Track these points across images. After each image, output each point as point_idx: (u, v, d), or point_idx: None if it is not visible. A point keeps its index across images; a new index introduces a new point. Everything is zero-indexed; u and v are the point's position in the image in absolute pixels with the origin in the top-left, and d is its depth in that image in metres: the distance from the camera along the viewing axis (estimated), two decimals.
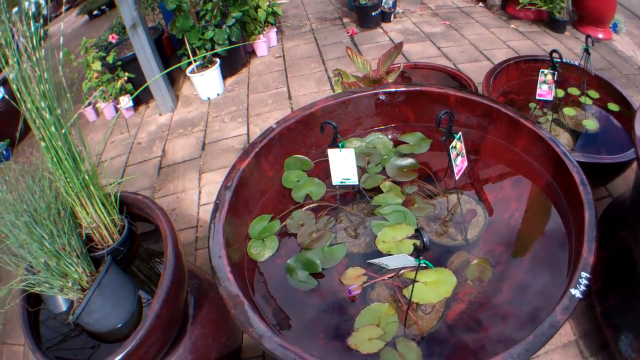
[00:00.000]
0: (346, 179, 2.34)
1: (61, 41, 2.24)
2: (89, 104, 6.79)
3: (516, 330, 1.74)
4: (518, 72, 3.80)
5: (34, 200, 2.25)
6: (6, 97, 7.13)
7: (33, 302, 2.41)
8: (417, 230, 1.59)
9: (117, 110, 6.41)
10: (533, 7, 6.45)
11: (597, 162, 2.82)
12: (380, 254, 2.08)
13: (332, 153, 2.32)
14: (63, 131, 2.23)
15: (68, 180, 2.28)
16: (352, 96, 2.71)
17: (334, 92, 5.44)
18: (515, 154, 2.43)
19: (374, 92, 2.70)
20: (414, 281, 1.80)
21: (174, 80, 6.65)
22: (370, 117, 2.75)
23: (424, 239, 1.54)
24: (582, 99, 3.49)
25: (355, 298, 2.00)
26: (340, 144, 2.30)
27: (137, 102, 6.33)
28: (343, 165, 2.31)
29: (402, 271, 2.00)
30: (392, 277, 2.01)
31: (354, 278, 2.05)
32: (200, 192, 4.65)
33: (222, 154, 5.13)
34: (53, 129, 2.17)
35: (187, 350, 2.48)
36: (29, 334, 2.28)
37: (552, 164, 2.25)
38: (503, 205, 2.29)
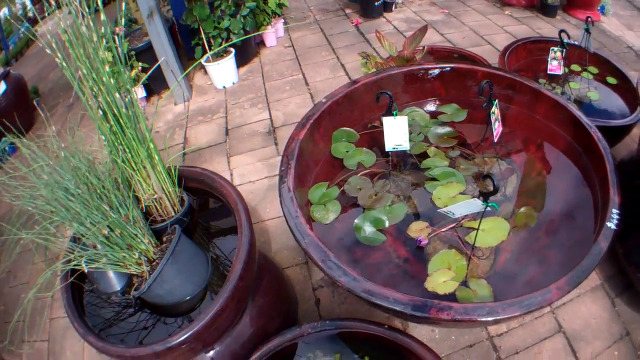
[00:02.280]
0: (398, 145, 2.50)
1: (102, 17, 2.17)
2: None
3: (558, 267, 1.92)
4: (525, 52, 4.06)
5: (82, 175, 2.25)
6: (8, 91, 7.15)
7: (75, 287, 2.44)
8: (487, 175, 1.76)
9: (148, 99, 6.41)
10: None
11: (607, 125, 3.09)
12: (435, 211, 2.27)
13: (386, 121, 2.47)
14: (128, 98, 2.22)
15: (129, 149, 2.28)
16: (391, 73, 2.87)
17: (349, 78, 5.63)
18: (537, 120, 2.66)
19: (411, 68, 2.87)
20: (478, 226, 1.99)
21: (185, 70, 6.64)
22: (405, 92, 2.92)
23: (495, 182, 1.71)
24: (584, 74, 3.80)
25: (423, 248, 2.16)
26: (394, 112, 2.45)
27: (149, 93, 6.33)
28: (396, 132, 2.47)
29: (462, 221, 2.18)
30: (452, 227, 2.19)
31: (419, 231, 2.21)
32: (231, 174, 4.71)
33: (248, 137, 5.22)
34: (117, 95, 2.15)
35: (251, 319, 2.57)
36: (77, 319, 2.31)
37: (571, 126, 2.48)
38: (531, 164, 2.50)
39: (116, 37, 2.28)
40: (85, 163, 2.29)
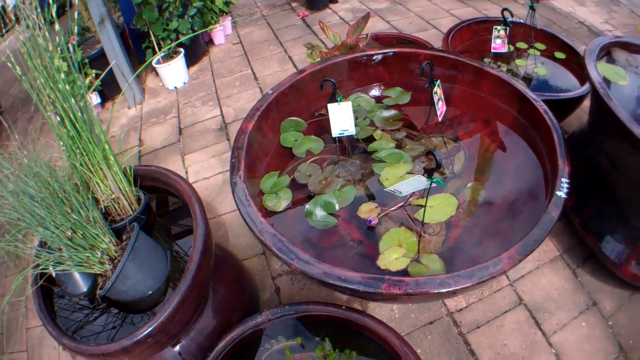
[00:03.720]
0: (344, 130, 2.55)
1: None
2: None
3: (512, 239, 1.90)
4: (470, 34, 4.11)
5: (45, 181, 2.26)
6: None
7: (45, 291, 2.47)
8: (429, 152, 1.81)
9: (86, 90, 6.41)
10: None
11: (555, 98, 3.14)
12: (383, 191, 2.28)
13: (331, 107, 2.51)
14: (82, 103, 2.25)
15: (85, 153, 2.32)
16: (336, 61, 2.92)
17: (297, 69, 5.59)
18: (482, 98, 2.71)
19: (355, 55, 2.93)
20: (425, 202, 2.05)
21: (138, 75, 6.65)
22: (350, 79, 2.97)
23: (437, 158, 1.74)
24: (531, 51, 3.86)
25: (374, 228, 2.20)
26: (338, 99, 2.50)
27: (104, 99, 6.27)
28: (341, 117, 2.52)
29: (410, 198, 2.23)
30: (401, 206, 2.24)
31: (368, 211, 2.26)
32: (186, 172, 4.72)
33: (201, 135, 5.20)
34: (72, 100, 2.19)
35: (214, 311, 2.61)
36: (49, 322, 2.32)
37: (517, 101, 2.52)
38: (479, 141, 2.55)
39: (70, 45, 2.37)
40: (46, 169, 2.32)
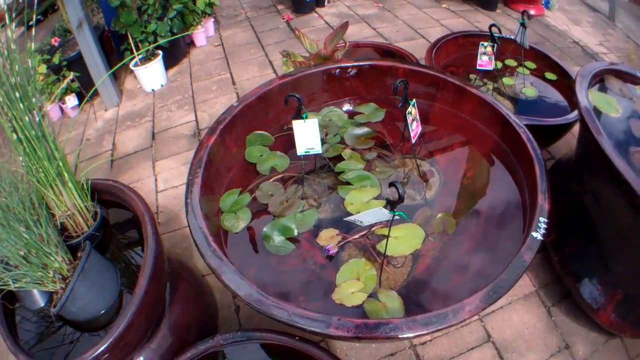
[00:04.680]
0: (310, 149, 2.43)
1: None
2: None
3: (482, 276, 1.87)
4: (457, 47, 3.98)
5: (6, 195, 2.23)
6: None
7: (7, 305, 2.43)
8: (391, 184, 1.67)
9: (62, 110, 6.33)
10: None
11: (541, 124, 2.96)
12: (348, 216, 2.10)
13: (296, 124, 2.39)
14: (37, 119, 2.23)
15: (41, 169, 2.29)
16: (308, 72, 2.82)
17: (276, 75, 5.55)
18: (463, 119, 2.59)
19: (328, 67, 2.82)
20: (387, 234, 1.91)
21: (116, 75, 6.62)
22: (324, 92, 2.87)
23: (400, 191, 1.63)
24: (520, 70, 3.69)
25: (333, 257, 2.12)
26: (304, 115, 2.38)
27: (81, 100, 6.17)
28: (307, 135, 2.40)
29: (373, 228, 2.12)
30: (364, 234, 2.13)
31: (328, 239, 2.17)
32: (156, 180, 4.62)
33: (173, 141, 5.08)
34: (27, 118, 2.16)
35: (170, 329, 2.50)
36: (9, 336, 2.28)
37: (499, 125, 2.41)
38: (456, 166, 2.44)
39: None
40: (8, 183, 2.28)
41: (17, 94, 2.12)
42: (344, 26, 3.46)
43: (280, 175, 2.57)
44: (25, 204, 2.23)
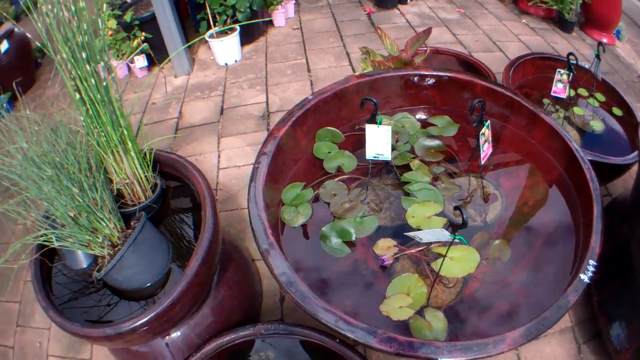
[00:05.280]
0: (380, 154, 2.40)
1: None
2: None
3: (528, 309, 1.88)
4: (533, 68, 3.95)
5: (60, 153, 2.23)
6: (10, 50, 7.14)
7: (44, 260, 2.47)
8: (457, 207, 1.69)
9: (129, 69, 6.42)
10: (544, 5, 6.52)
11: (604, 161, 2.95)
12: (407, 228, 2.18)
13: (369, 128, 2.37)
14: (104, 84, 2.21)
15: (103, 134, 2.29)
16: (386, 75, 2.79)
17: (352, 68, 5.55)
18: (532, 145, 2.57)
19: (407, 73, 2.80)
20: (444, 255, 1.93)
21: (190, 44, 6.58)
22: (399, 97, 2.85)
23: (464, 216, 1.64)
24: (590, 101, 3.67)
25: (386, 267, 2.10)
26: (378, 120, 2.35)
27: (151, 63, 6.27)
28: (379, 140, 2.37)
29: (432, 245, 2.10)
30: (421, 250, 2.12)
31: (385, 249, 2.15)
32: (219, 156, 4.62)
33: (241, 120, 5.10)
34: (92, 81, 2.14)
35: (212, 310, 2.54)
36: (41, 291, 2.31)
37: (566, 159, 2.39)
38: (519, 192, 2.42)
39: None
40: (65, 140, 2.28)
41: (84, 55, 2.10)
42: (427, 32, 3.45)
43: (346, 176, 2.55)
44: (81, 165, 2.22)
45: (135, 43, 5.90)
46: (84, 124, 2.27)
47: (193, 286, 2.12)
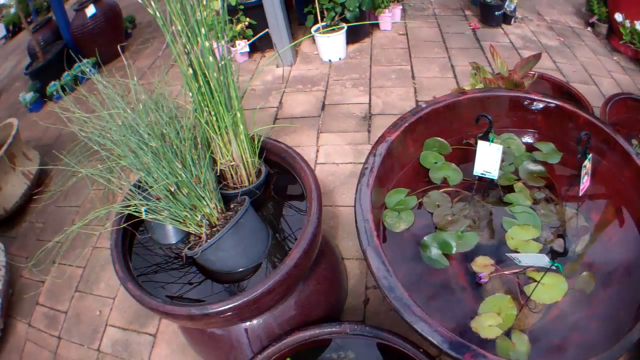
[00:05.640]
0: (487, 172, 2.48)
1: None
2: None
3: (601, 342, 1.90)
4: (625, 108, 4.02)
5: (164, 126, 2.27)
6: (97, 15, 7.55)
7: (128, 230, 2.59)
8: (560, 235, 1.82)
9: (229, 53, 6.52)
10: (632, 46, 6.50)
11: None
12: (504, 248, 2.26)
13: (481, 145, 2.44)
14: (222, 63, 2.24)
15: (214, 113, 2.31)
16: (498, 93, 2.84)
17: (457, 81, 5.61)
18: (622, 183, 2.59)
19: (519, 94, 2.82)
20: (538, 281, 2.01)
21: (293, 35, 6.65)
22: (506, 117, 2.89)
23: (566, 245, 1.76)
24: None
25: (480, 285, 2.16)
26: (491, 138, 2.42)
27: (253, 50, 6.44)
28: (488, 158, 2.45)
29: (528, 269, 2.15)
30: (516, 272, 2.17)
31: (482, 266, 2.20)
32: (317, 151, 4.76)
33: (342, 118, 5.24)
34: (210, 58, 2.17)
35: (297, 302, 2.60)
36: (120, 261, 2.40)
37: None
38: (608, 229, 2.45)
39: None
40: (167, 114, 2.35)
41: (203, 30, 2.13)
42: (537, 57, 3.52)
43: (450, 189, 2.58)
44: (186, 141, 2.27)
45: (238, 27, 6.07)
46: (193, 101, 2.31)
47: (290, 276, 2.18)
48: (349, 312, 3.28)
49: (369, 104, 5.44)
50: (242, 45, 6.27)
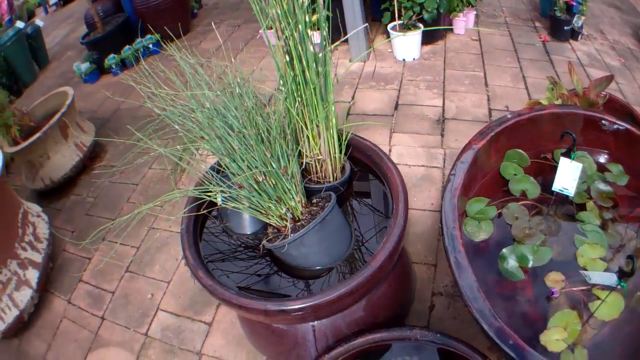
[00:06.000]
0: (565, 189, 2.49)
1: None
2: (271, 27, 6.83)
3: None
4: None
5: (253, 112, 2.24)
6: None
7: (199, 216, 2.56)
8: (629, 257, 1.89)
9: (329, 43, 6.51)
10: None
11: None
12: (572, 264, 2.32)
13: (563, 161, 2.46)
14: (321, 54, 2.27)
15: (307, 104, 2.30)
16: (577, 111, 2.85)
17: (528, 93, 5.59)
18: None
19: (596, 114, 2.81)
20: (604, 299, 2.09)
21: (368, 31, 6.61)
22: (580, 135, 2.79)
23: (635, 266, 1.85)
24: None
25: (551, 299, 2.20)
26: (572, 155, 2.46)
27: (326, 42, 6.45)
28: (568, 175, 2.47)
29: (595, 287, 2.19)
30: (584, 290, 2.21)
31: (554, 281, 2.25)
32: (390, 150, 4.81)
33: (416, 119, 5.23)
34: (311, 47, 2.20)
35: (367, 303, 2.55)
36: (191, 247, 2.38)
37: None
38: None
39: None
40: (252, 99, 2.30)
41: (307, 17, 2.15)
42: (609, 78, 3.51)
43: (528, 202, 2.61)
44: (274, 131, 2.22)
45: (314, 18, 6.12)
46: (284, 90, 2.29)
47: (373, 278, 2.15)
48: (413, 317, 3.28)
49: (443, 107, 5.44)
50: (316, 36, 6.13)
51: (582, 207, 2.61)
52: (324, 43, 2.32)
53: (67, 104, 5.30)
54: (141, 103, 2.33)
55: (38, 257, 4.02)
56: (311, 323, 2.47)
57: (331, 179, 2.61)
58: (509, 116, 2.76)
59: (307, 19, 2.17)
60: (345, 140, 2.61)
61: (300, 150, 2.48)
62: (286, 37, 2.14)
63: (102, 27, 7.81)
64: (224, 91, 2.24)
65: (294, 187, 2.29)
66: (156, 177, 5.11)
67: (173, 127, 2.28)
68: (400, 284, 2.88)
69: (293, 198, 2.31)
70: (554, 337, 2.05)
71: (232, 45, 7.58)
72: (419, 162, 4.63)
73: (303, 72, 2.22)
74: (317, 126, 2.41)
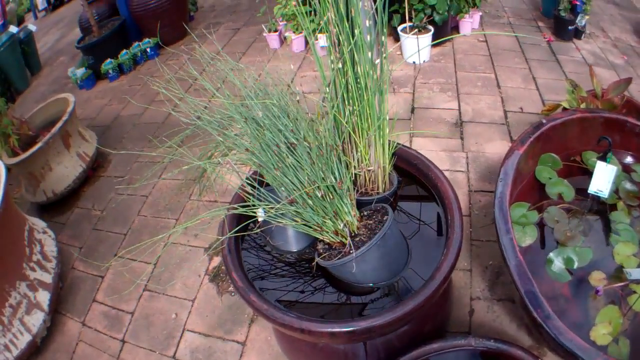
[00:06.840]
0: (599, 191, 2.53)
1: None
2: (275, 29, 6.90)
3: None
4: None
5: (299, 124, 2.14)
6: None
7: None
8: None
9: (281, 42, 6.64)
10: None
11: None
12: (607, 262, 2.42)
13: (599, 165, 2.50)
14: (376, 61, 2.11)
15: (360, 114, 2.18)
16: (605, 115, 2.89)
17: (539, 94, 5.51)
18: None
19: (622, 118, 2.86)
20: None
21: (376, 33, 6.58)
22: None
23: None
24: None
25: (600, 295, 2.28)
26: (608, 159, 2.50)
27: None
28: (603, 178, 2.51)
29: (633, 282, 2.26)
30: (623, 286, 2.28)
31: (598, 280, 2.33)
32: None
33: (434, 123, 5.12)
34: (369, 54, 2.05)
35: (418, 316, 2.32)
36: (238, 269, 2.25)
37: None
38: None
39: None
40: (294, 107, 2.21)
41: (367, 22, 2.01)
42: (628, 81, 3.56)
43: (565, 205, 2.66)
44: (324, 142, 2.11)
45: (321, 24, 6.08)
46: (327, 95, 2.21)
47: (437, 292, 2.06)
48: (453, 324, 3.20)
49: (459, 110, 5.36)
50: (323, 40, 6.05)
51: (612, 207, 2.69)
52: (382, 49, 2.16)
53: (69, 112, 5.09)
54: (168, 111, 2.28)
55: (48, 278, 3.81)
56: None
57: (380, 190, 2.53)
58: (544, 121, 2.80)
59: (368, 24, 2.04)
60: (392, 150, 2.52)
61: (346, 162, 2.33)
62: (341, 41, 2.01)
63: (98, 31, 7.64)
64: (278, 100, 2.17)
65: (349, 200, 2.19)
66: (167, 188, 4.90)
67: (190, 135, 2.25)
68: (443, 292, 2.63)
69: (349, 212, 2.20)
70: (601, 332, 2.17)
71: (234, 49, 7.60)
72: (443, 167, 4.46)
73: (357, 79, 2.09)
74: (368, 136, 2.31)
